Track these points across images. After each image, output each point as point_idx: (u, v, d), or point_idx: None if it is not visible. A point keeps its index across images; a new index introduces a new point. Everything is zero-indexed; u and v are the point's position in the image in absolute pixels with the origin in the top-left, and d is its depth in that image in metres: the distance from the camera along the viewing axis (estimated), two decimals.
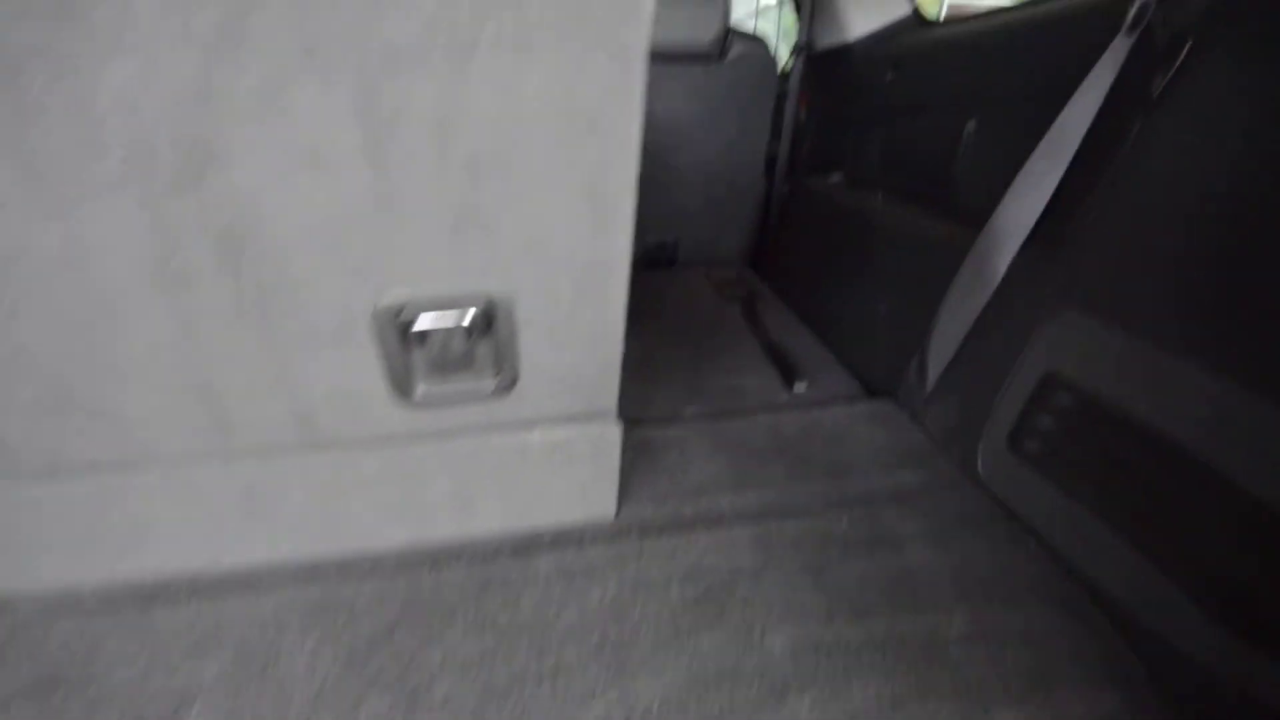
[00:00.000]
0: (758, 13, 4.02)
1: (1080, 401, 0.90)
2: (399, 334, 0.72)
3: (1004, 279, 1.02)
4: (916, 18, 1.59)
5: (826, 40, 1.75)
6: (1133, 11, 0.79)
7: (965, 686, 0.76)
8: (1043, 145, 0.92)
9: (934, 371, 1.19)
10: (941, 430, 1.20)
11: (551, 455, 0.91)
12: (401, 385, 0.77)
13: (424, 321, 0.71)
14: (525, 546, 0.94)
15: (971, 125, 1.27)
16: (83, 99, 0.51)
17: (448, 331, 0.73)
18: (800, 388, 1.36)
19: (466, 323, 0.72)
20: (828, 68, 1.80)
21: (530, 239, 0.68)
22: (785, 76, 1.93)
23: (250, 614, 0.83)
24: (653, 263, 2.06)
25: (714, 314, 1.72)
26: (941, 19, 1.50)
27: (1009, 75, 1.18)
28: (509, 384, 0.81)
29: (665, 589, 0.88)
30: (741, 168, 1.93)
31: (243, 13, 0.49)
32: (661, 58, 1.72)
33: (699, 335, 1.59)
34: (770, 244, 2.05)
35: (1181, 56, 0.76)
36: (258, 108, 0.54)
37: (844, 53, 1.70)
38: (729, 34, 1.74)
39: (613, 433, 0.92)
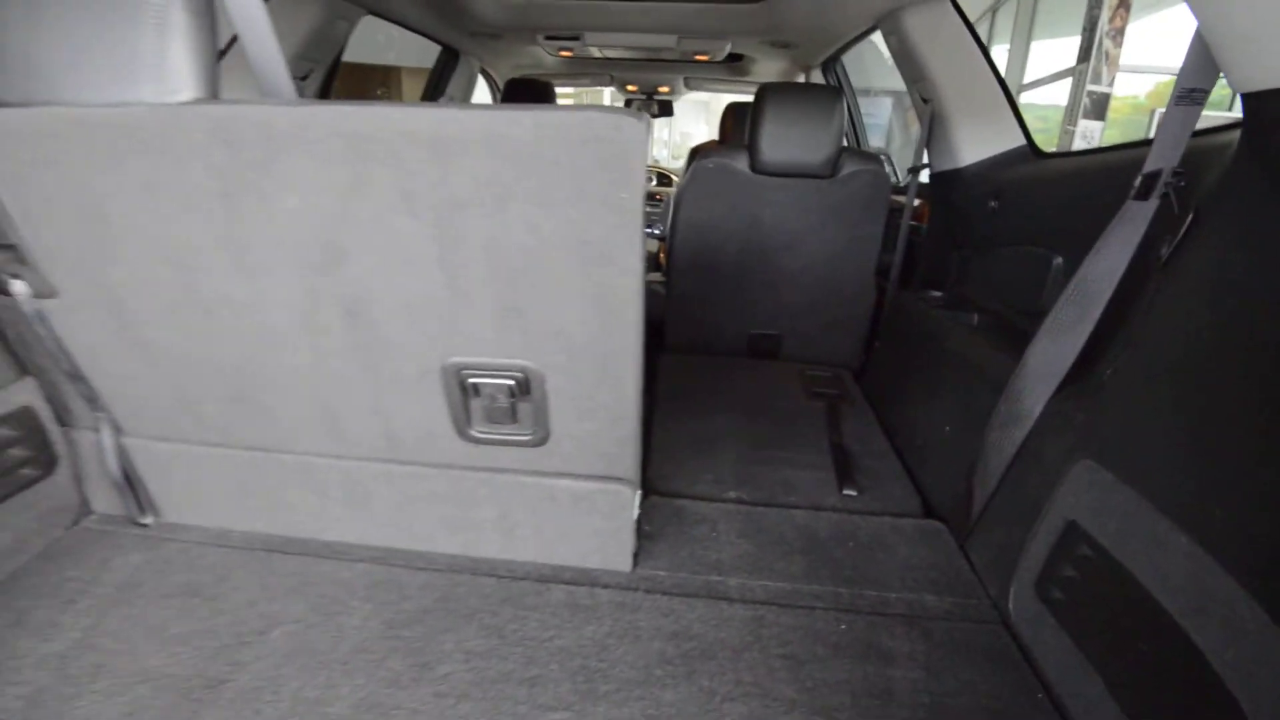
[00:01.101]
0: None
1: (1098, 555, 0.88)
2: (459, 386, 0.95)
3: (1040, 418, 1.03)
4: (1030, 149, 1.62)
5: (942, 164, 1.82)
6: (1139, 180, 0.83)
7: None
8: (1069, 291, 0.94)
9: (978, 501, 1.18)
10: (984, 562, 1.18)
11: (576, 505, 1.07)
12: (460, 425, 1.00)
13: (476, 379, 0.93)
14: (547, 577, 1.10)
15: (1059, 261, 1.28)
16: (266, 215, 0.81)
17: (496, 389, 0.95)
18: (850, 492, 1.40)
19: (510, 385, 0.93)
20: (943, 188, 1.85)
21: (556, 331, 0.88)
22: (903, 191, 2.01)
23: (334, 576, 1.08)
24: (756, 352, 2.18)
25: (796, 409, 1.80)
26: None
27: (1089, 215, 1.19)
28: (542, 439, 1.00)
29: (650, 641, 0.98)
30: (850, 276, 2.01)
31: (364, 171, 0.77)
32: (775, 173, 1.90)
33: (772, 425, 1.68)
34: (871, 351, 2.08)
35: (1184, 227, 0.78)
36: (372, 227, 0.81)
37: (957, 175, 1.75)
38: (841, 154, 1.87)
39: (628, 497, 1.06)
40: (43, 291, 0.96)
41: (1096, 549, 0.87)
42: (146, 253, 0.89)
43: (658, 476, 1.42)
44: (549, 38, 2.79)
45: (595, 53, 3.07)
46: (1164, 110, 0.82)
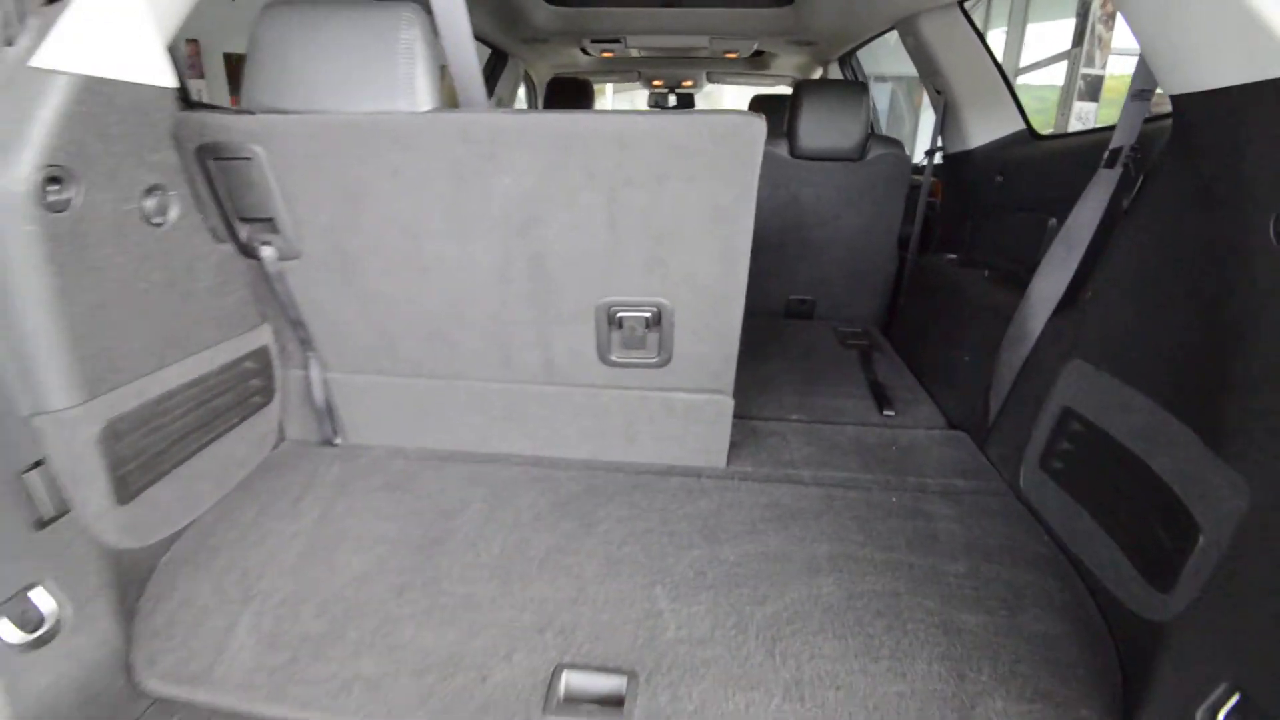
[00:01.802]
0: None
1: (1086, 428, 1.20)
2: (607, 320, 1.27)
3: (1040, 336, 1.35)
4: (1029, 132, 1.93)
5: (955, 147, 2.14)
6: (1107, 153, 1.15)
7: (949, 596, 1.10)
8: (1060, 236, 1.26)
9: (994, 409, 1.51)
10: (999, 456, 1.50)
11: (686, 413, 1.40)
12: (603, 352, 1.32)
13: (622, 314, 1.26)
14: (663, 471, 1.43)
15: (1053, 222, 1.60)
16: (485, 192, 1.13)
17: (635, 321, 1.27)
18: (889, 413, 1.72)
19: (647, 318, 1.26)
20: (955, 167, 2.17)
21: (686, 276, 1.20)
22: (920, 171, 2.33)
23: (501, 474, 1.41)
24: (792, 314, 2.50)
25: (834, 356, 2.12)
26: None
27: (1075, 183, 1.51)
28: (665, 361, 1.32)
29: (750, 509, 1.31)
30: (876, 246, 2.33)
31: (561, 159, 1.08)
32: (811, 158, 2.21)
33: (817, 369, 2.00)
34: (896, 309, 2.40)
35: (1138, 187, 1.10)
36: (561, 200, 1.13)
37: (967, 156, 2.07)
38: (868, 139, 2.19)
39: (726, 404, 1.39)
40: (287, 255, 1.28)
41: (1085, 423, 1.19)
42: (383, 224, 1.21)
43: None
44: (594, 40, 3.09)
45: (634, 54, 3.37)
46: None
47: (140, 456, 1.07)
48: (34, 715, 0.87)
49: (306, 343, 1.42)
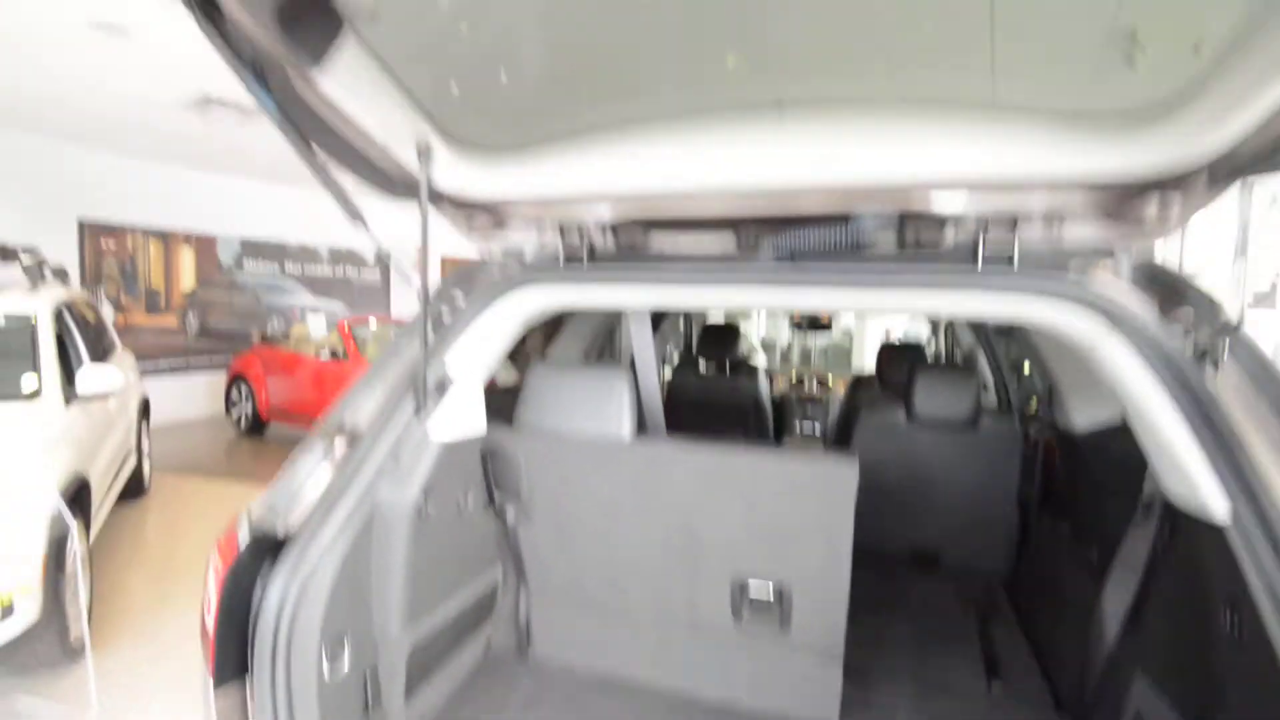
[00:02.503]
0: None
1: None
2: (740, 589, 1.68)
3: (1115, 642, 1.54)
4: (1123, 424, 2.16)
5: (1062, 425, 2.40)
6: (1141, 505, 1.43)
7: None
8: (1119, 559, 1.51)
9: (1089, 696, 1.65)
10: None
11: (802, 669, 1.72)
12: (736, 611, 1.72)
13: (751, 585, 1.66)
14: (779, 717, 1.72)
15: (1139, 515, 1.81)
16: (658, 492, 1.65)
17: (760, 592, 1.67)
18: (995, 688, 1.88)
19: (769, 589, 1.65)
20: (1063, 443, 2.41)
21: (800, 562, 1.60)
22: (1035, 443, 2.58)
23: (650, 704, 1.78)
24: (918, 561, 2.71)
25: (951, 617, 2.30)
26: None
27: None
28: (784, 624, 1.69)
29: None
30: (994, 502, 2.55)
31: (711, 475, 1.59)
32: (926, 425, 2.57)
33: (933, 630, 2.20)
34: (1019, 564, 2.54)
35: (1167, 537, 1.37)
36: (709, 501, 1.61)
37: (1072, 438, 2.32)
38: (979, 413, 2.51)
39: (836, 667, 1.69)
40: (522, 517, 1.87)
41: None
42: (589, 505, 1.77)
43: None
44: None
45: None
46: None
47: (421, 665, 1.61)
48: None
49: (521, 577, 1.96)
